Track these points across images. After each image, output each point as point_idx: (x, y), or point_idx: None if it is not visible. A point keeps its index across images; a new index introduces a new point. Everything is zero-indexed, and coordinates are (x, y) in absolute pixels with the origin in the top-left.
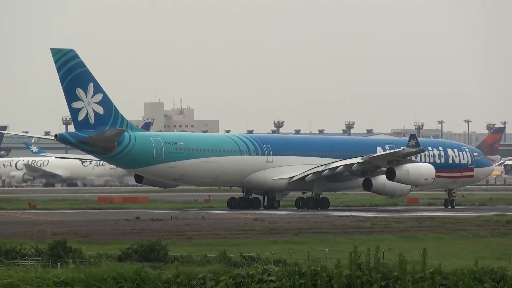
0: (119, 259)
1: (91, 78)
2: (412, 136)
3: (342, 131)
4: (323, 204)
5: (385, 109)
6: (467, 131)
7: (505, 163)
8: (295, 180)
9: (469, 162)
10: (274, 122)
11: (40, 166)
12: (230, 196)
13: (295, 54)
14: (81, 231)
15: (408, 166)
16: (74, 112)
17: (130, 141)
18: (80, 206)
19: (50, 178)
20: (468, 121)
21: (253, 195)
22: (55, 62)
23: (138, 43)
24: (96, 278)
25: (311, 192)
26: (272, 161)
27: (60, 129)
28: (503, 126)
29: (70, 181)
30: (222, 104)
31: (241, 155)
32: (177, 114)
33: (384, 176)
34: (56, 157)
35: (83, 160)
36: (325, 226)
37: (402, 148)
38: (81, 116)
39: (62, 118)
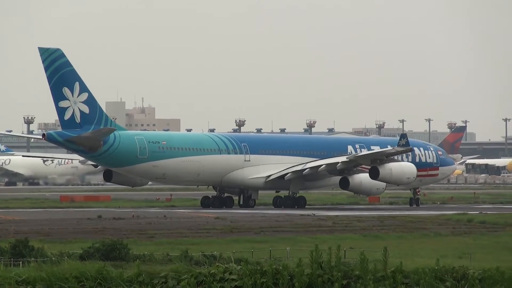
0: (81, 258)
1: (77, 77)
2: (403, 136)
3: (304, 130)
4: (300, 202)
5: (346, 108)
6: (428, 130)
7: (466, 162)
8: (273, 178)
9: (435, 161)
10: (236, 121)
11: (2, 165)
12: (203, 195)
13: (254, 55)
14: (43, 230)
15: (391, 165)
16: (61, 111)
17: (115, 140)
18: (42, 205)
19: (12, 177)
20: (429, 120)
21: (226, 194)
22: (43, 62)
23: (99, 42)
24: (58, 277)
25: (288, 191)
26: (249, 160)
27: (22, 128)
28: (464, 125)
29: (32, 180)
30: (183, 103)
31: (220, 154)
32: (139, 113)
33: (360, 175)
34: (23, 156)
35: (44, 159)
36: (286, 225)
37: (392, 147)
38: (67, 115)
39: (24, 117)
